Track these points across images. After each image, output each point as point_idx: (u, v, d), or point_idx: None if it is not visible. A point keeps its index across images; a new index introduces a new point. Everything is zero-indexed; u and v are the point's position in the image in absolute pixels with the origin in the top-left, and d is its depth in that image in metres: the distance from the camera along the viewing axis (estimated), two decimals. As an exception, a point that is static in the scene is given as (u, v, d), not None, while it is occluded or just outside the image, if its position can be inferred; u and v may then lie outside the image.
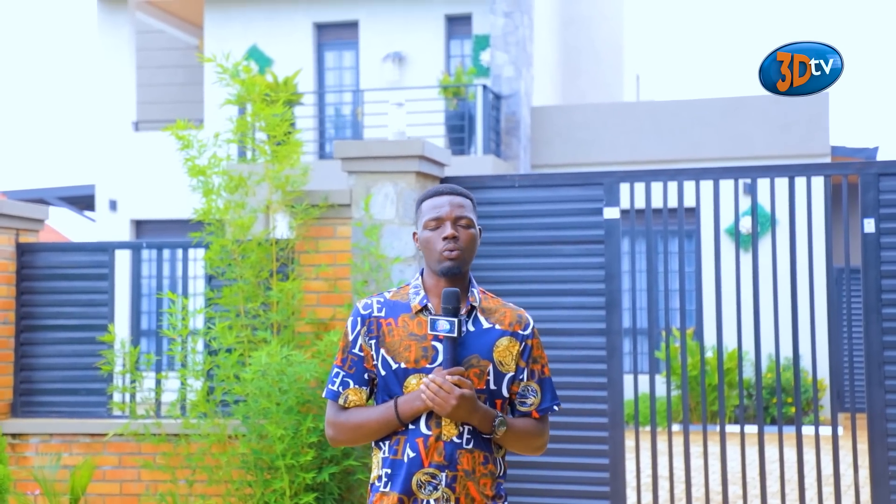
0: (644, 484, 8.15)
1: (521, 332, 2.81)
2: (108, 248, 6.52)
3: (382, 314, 2.80)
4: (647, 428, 11.76)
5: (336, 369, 2.83)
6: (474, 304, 2.79)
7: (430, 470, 2.70)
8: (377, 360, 2.78)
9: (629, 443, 9.79)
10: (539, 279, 5.85)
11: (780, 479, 5.74)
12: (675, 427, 11.79)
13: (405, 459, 2.71)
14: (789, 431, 10.79)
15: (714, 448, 9.77)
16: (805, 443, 10.29)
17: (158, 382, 6.32)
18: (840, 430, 11.50)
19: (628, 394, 11.81)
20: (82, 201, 17.46)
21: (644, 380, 12.34)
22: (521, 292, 5.78)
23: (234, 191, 6.03)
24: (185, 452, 6.02)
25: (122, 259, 12.59)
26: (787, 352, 12.34)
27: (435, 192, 2.81)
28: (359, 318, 2.81)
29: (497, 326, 2.79)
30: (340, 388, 2.81)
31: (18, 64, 45.60)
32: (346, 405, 2.80)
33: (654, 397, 5.72)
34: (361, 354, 2.80)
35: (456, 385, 2.65)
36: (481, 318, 2.79)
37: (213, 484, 5.89)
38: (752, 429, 11.23)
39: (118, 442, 6.29)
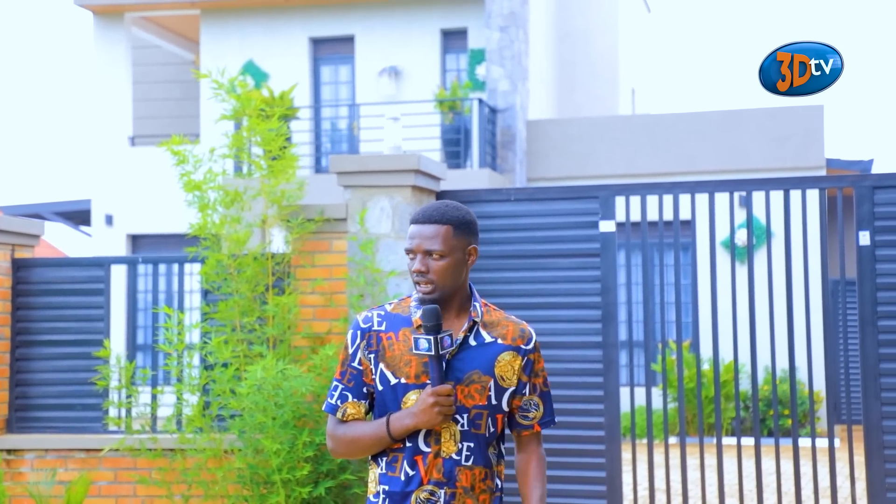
0: (641, 497, 8.14)
1: (523, 346, 2.79)
2: (103, 263, 6.51)
3: (383, 328, 2.78)
4: (644, 441, 11.75)
5: (335, 382, 2.82)
6: (476, 318, 2.77)
7: (430, 487, 2.68)
8: (376, 374, 2.76)
9: (626, 455, 9.77)
10: (535, 292, 5.85)
11: (777, 492, 5.73)
12: (672, 440, 11.78)
13: (403, 477, 2.70)
14: (786, 444, 10.78)
15: (711, 461, 9.76)
16: (802, 455, 10.27)
17: (154, 397, 6.31)
18: (837, 443, 11.49)
19: (625, 406, 11.80)
20: (78, 216, 17.45)
21: (641, 392, 12.33)
22: (518, 305, 5.78)
23: (230, 205, 6.03)
24: (181, 467, 6.00)
25: (118, 274, 12.57)
26: (783, 364, 12.34)
27: (413, 219, 2.79)
28: (359, 332, 2.79)
29: (500, 341, 2.78)
30: (339, 402, 2.80)
31: (14, 78, 45.63)
32: (345, 418, 2.79)
33: (651, 410, 5.72)
34: (360, 368, 2.78)
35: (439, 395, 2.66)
36: (483, 333, 2.78)
37: (210, 499, 5.87)
38: (748, 441, 11.22)
39: (114, 457, 6.28)
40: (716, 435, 5.59)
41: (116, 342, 11.40)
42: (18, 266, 6.53)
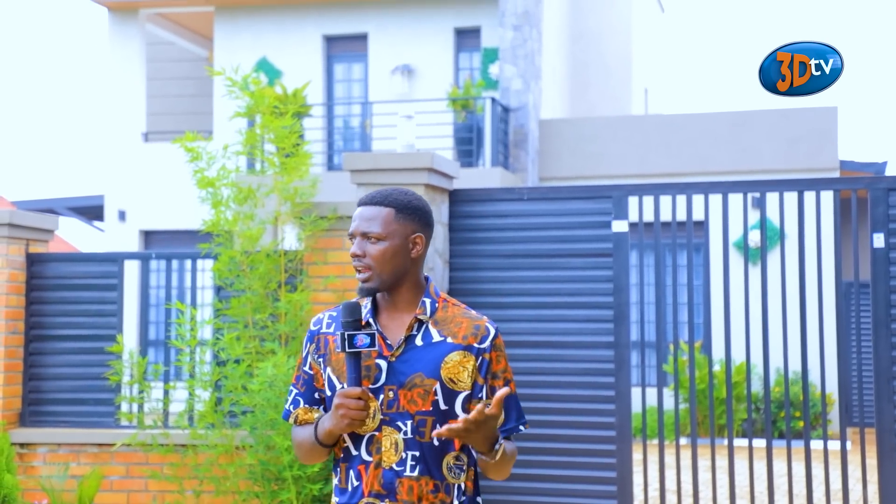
0: (651, 498, 8.12)
1: (476, 345, 2.53)
2: (117, 259, 6.53)
3: (331, 330, 2.60)
4: (655, 441, 11.73)
5: (291, 387, 2.68)
6: (421, 316, 2.54)
7: (370, 499, 2.50)
8: (325, 378, 2.59)
9: (637, 456, 9.76)
10: (547, 292, 5.84)
11: (788, 494, 5.72)
12: (683, 441, 11.76)
13: (349, 488, 2.53)
14: (798, 445, 10.76)
15: (722, 462, 9.74)
16: (813, 457, 10.25)
17: (166, 393, 6.33)
18: (849, 445, 11.46)
19: (636, 407, 11.79)
20: (91, 212, 17.51)
21: (652, 393, 12.31)
22: (530, 305, 5.78)
23: (243, 202, 6.05)
24: (192, 463, 6.02)
25: (131, 269, 12.61)
26: (795, 366, 12.30)
27: (358, 201, 2.61)
28: (309, 336, 2.65)
29: (449, 339, 2.53)
30: (291, 407, 2.65)
31: (29, 74, 45.80)
32: (298, 423, 2.65)
33: (662, 410, 5.71)
34: (311, 373, 2.63)
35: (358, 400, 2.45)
36: (432, 331, 2.54)
37: (221, 495, 5.89)
38: (760, 443, 11.19)
39: (126, 452, 6.30)
40: (727, 436, 5.58)
41: (129, 337, 11.44)
42: (32, 261, 6.56)
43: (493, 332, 2.57)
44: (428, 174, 5.84)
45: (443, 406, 2.50)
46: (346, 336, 2.44)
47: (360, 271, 2.54)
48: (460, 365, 2.52)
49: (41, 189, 45.22)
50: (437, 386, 2.50)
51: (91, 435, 6.38)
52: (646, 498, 5.86)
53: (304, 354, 2.66)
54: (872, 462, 9.52)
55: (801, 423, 11.73)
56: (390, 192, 2.58)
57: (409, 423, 2.49)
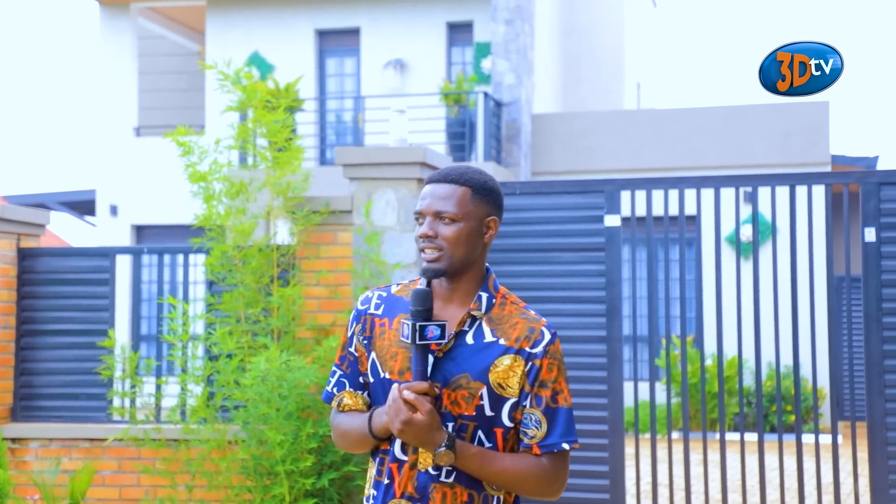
0: (644, 491, 8.15)
1: (527, 349, 2.35)
2: (109, 254, 6.52)
3: (379, 312, 2.43)
4: (647, 435, 11.76)
5: (334, 368, 2.50)
6: (475, 312, 2.37)
7: (402, 501, 2.34)
8: (369, 363, 2.43)
9: (629, 450, 9.78)
10: (540, 286, 5.85)
11: (779, 488, 5.74)
12: (675, 434, 11.79)
13: (375, 490, 2.39)
14: (789, 439, 10.79)
15: (714, 456, 9.77)
16: (805, 451, 10.28)
17: (158, 388, 6.33)
18: (840, 439, 11.50)
19: (628, 401, 11.81)
20: (83, 206, 17.47)
21: (644, 387, 12.33)
22: (522, 299, 5.78)
23: (235, 197, 6.04)
24: (184, 458, 6.02)
25: (123, 264, 12.61)
26: (787, 360, 12.33)
27: (428, 178, 2.42)
28: (355, 315, 2.47)
29: (501, 341, 2.35)
30: (335, 390, 2.48)
31: (20, 69, 45.66)
32: (342, 408, 2.47)
33: (654, 405, 5.72)
34: (356, 355, 2.45)
35: (412, 405, 2.25)
36: (485, 330, 2.36)
37: (213, 489, 5.89)
38: (751, 436, 11.22)
39: (118, 447, 6.29)
40: (719, 430, 5.59)
41: (121, 332, 11.43)
42: (24, 255, 6.54)
43: (548, 336, 2.37)
44: (420, 168, 5.85)
45: (488, 412, 2.33)
46: (417, 327, 2.26)
47: (427, 251, 2.35)
48: (510, 370, 2.34)
49: (32, 183, 45.11)
50: (484, 390, 2.32)
51: (83, 430, 6.38)
52: (638, 491, 5.87)
53: (348, 335, 2.48)
54: (863, 456, 9.56)
55: (793, 417, 11.76)
56: (465, 169, 2.40)
57: (450, 425, 2.32)
